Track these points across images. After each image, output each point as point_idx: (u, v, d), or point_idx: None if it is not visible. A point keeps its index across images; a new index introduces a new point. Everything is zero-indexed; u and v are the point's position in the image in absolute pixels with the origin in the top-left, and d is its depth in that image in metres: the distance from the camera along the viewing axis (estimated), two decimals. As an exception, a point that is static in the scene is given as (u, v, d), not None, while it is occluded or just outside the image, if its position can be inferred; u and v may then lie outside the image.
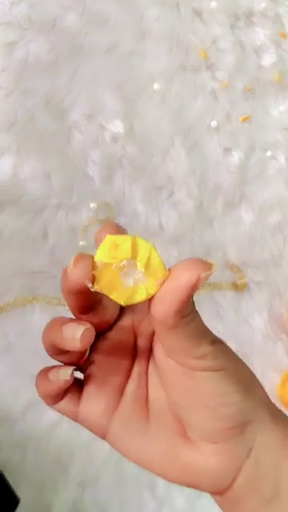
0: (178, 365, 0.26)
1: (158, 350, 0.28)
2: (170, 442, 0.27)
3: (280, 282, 0.56)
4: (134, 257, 0.26)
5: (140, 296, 0.25)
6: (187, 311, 0.24)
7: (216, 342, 0.26)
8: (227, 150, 0.54)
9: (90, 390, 0.28)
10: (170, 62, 0.52)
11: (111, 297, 0.25)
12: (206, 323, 0.26)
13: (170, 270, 0.25)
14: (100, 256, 0.25)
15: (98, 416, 0.28)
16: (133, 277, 0.25)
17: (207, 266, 0.24)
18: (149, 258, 0.26)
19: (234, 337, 0.53)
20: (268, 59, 0.56)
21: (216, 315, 0.53)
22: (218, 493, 0.27)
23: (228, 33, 0.54)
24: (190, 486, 0.27)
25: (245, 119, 0.55)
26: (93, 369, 0.29)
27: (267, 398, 0.28)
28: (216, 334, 0.27)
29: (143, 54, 0.51)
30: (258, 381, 0.29)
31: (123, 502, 0.49)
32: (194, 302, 0.25)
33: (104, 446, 0.48)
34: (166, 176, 0.51)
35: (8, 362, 0.47)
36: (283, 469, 0.27)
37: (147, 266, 0.25)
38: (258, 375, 0.29)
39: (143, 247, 0.26)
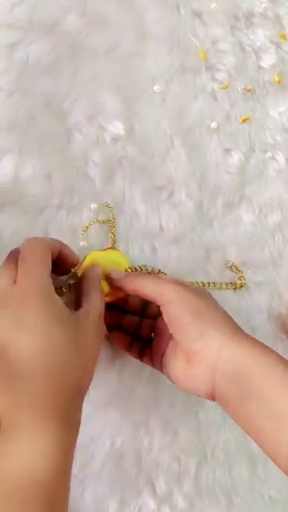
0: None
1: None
2: (183, 365, 0.41)
3: (280, 282, 0.56)
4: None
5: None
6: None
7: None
8: (227, 151, 0.54)
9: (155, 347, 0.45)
10: (170, 63, 0.52)
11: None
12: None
13: None
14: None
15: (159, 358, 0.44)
16: None
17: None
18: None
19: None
20: (268, 60, 0.56)
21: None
22: (211, 396, 0.39)
23: (228, 34, 0.54)
24: (197, 394, 0.40)
25: (244, 120, 0.55)
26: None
27: (222, 322, 0.40)
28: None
29: (143, 55, 0.51)
30: (212, 313, 0.41)
31: (123, 501, 0.49)
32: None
33: (104, 445, 0.49)
34: (166, 177, 0.52)
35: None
36: (247, 373, 0.37)
37: None
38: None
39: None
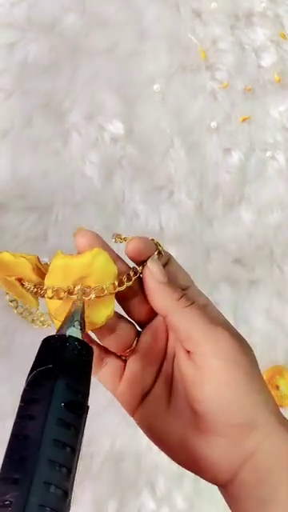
0: (191, 360, 0.29)
1: (178, 351, 0.30)
2: (184, 431, 0.29)
3: (280, 282, 0.56)
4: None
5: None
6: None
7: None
8: (227, 151, 0.54)
9: (131, 374, 0.30)
10: (170, 63, 0.52)
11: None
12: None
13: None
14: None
15: (135, 396, 0.30)
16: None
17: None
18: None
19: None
20: (268, 59, 0.56)
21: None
22: (219, 484, 0.30)
23: (228, 33, 0.54)
24: (195, 472, 0.30)
25: (244, 119, 0.55)
26: (136, 357, 0.31)
27: (275, 405, 0.29)
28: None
29: (143, 54, 0.51)
30: (266, 387, 0.29)
31: (123, 502, 0.49)
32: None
33: (104, 445, 0.48)
34: (166, 176, 0.52)
35: (8, 362, 0.47)
36: (282, 478, 0.28)
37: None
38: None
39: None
